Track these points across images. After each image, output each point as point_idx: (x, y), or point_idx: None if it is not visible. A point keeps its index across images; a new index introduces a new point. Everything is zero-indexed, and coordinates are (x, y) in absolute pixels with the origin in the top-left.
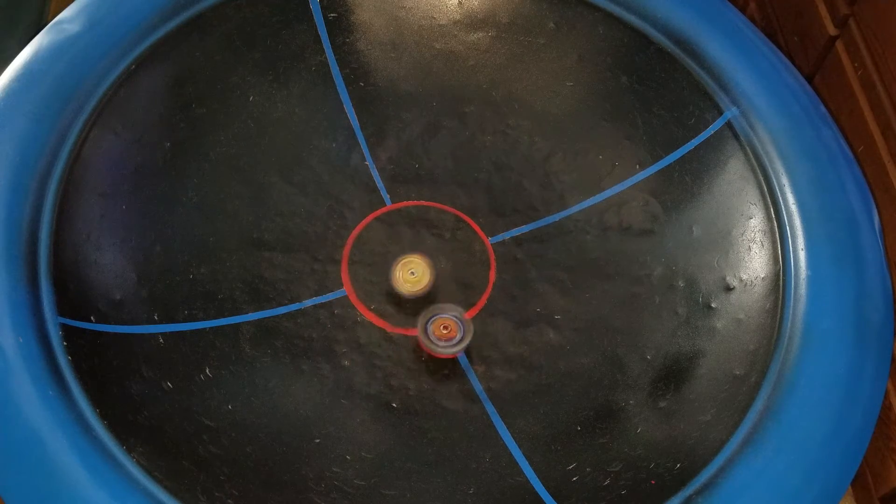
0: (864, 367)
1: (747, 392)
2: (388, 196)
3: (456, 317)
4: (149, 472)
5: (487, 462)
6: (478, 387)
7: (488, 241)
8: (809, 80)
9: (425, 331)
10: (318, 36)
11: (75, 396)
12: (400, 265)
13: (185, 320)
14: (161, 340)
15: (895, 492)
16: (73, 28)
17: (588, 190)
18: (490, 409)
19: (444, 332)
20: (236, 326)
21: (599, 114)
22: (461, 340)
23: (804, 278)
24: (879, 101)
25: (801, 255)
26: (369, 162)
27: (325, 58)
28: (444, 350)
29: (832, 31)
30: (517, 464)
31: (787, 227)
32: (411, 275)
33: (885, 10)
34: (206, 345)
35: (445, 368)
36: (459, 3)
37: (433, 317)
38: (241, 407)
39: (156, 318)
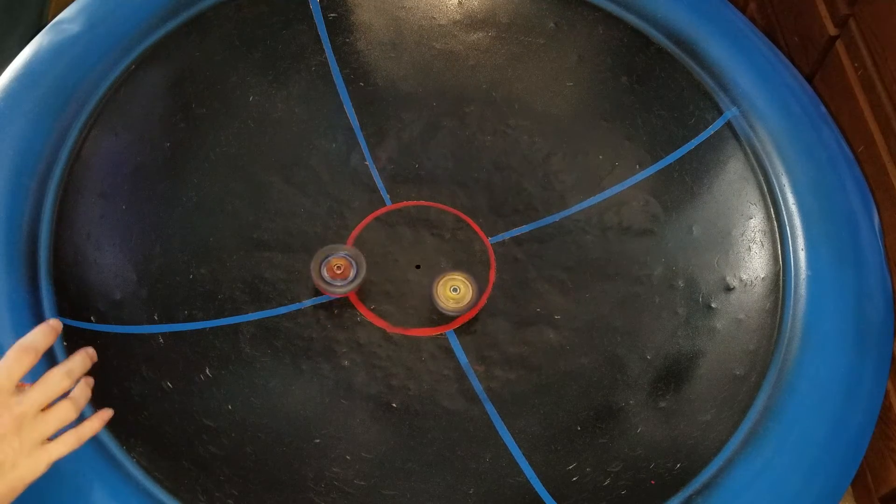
0: (864, 367)
1: (747, 392)
2: (388, 196)
3: (347, 255)
4: (149, 472)
5: (487, 462)
6: (478, 387)
7: (488, 241)
8: (809, 80)
9: (320, 274)
10: (318, 36)
11: None
12: (441, 282)
13: (185, 320)
14: (161, 340)
15: (895, 492)
16: (73, 28)
17: (588, 190)
18: (490, 409)
19: (338, 272)
20: (236, 326)
21: (599, 114)
22: (355, 278)
23: (804, 278)
24: (879, 101)
25: (801, 255)
26: (369, 162)
27: (325, 58)
28: (340, 290)
29: (832, 31)
30: (517, 464)
31: (787, 227)
32: (453, 292)
33: (885, 10)
34: (206, 345)
35: (446, 368)
36: (459, 3)
37: (325, 259)
38: (241, 407)
39: (156, 318)
